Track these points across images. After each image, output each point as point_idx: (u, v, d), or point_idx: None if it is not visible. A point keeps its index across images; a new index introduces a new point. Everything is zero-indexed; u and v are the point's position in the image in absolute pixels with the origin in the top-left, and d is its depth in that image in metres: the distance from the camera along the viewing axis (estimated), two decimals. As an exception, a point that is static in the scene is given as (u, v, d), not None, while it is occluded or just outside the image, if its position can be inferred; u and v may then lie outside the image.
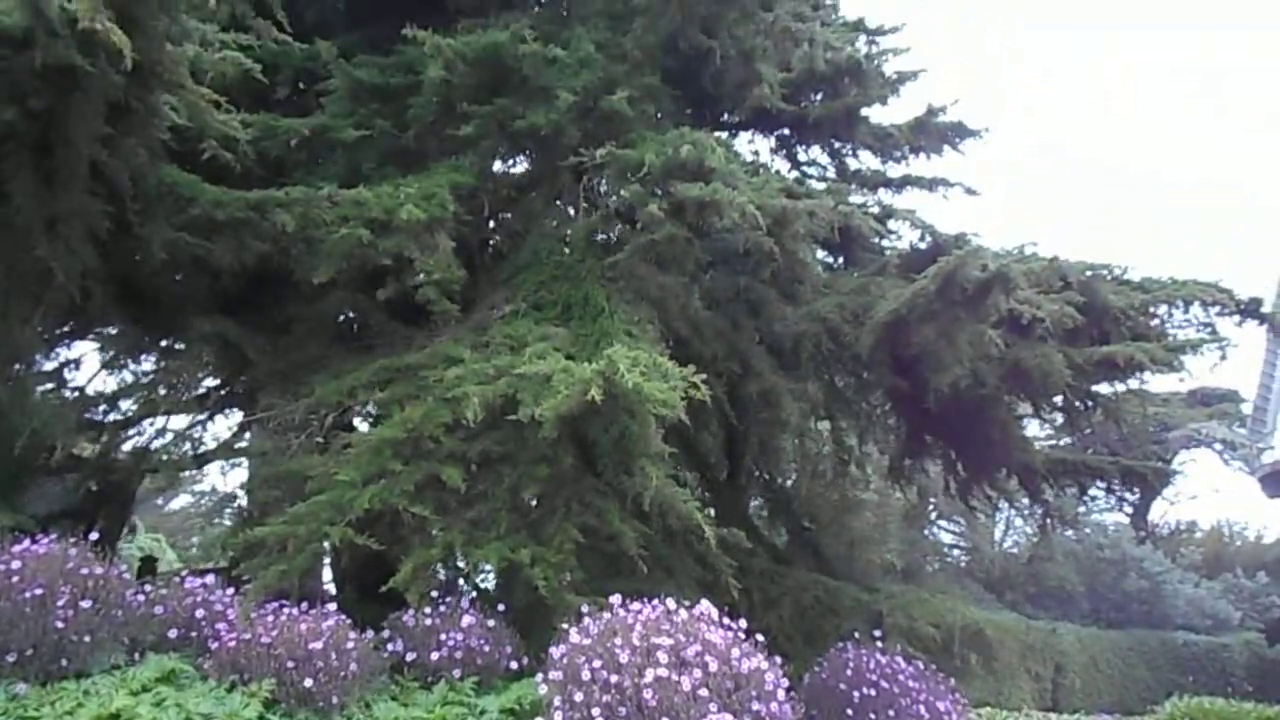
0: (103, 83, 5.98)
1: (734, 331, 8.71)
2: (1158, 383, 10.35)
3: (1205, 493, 44.09)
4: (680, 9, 8.30)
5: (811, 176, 11.19)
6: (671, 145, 7.79)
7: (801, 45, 8.86)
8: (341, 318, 9.11)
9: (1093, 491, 15.77)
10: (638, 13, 8.63)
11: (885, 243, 10.46)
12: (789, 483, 14.83)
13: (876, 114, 10.84)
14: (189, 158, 7.31)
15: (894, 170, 11.16)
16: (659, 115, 8.86)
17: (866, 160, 11.21)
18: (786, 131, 10.96)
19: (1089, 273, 8.66)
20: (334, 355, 8.38)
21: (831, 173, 11.29)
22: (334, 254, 7.41)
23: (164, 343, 9.53)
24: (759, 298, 8.99)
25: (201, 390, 10.16)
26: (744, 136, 11.02)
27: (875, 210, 9.99)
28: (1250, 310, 8.87)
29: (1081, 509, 22.81)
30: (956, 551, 27.83)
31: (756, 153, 11.10)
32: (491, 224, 9.55)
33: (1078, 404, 9.71)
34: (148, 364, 9.91)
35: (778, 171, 10.44)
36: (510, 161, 9.74)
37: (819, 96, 10.41)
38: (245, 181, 7.64)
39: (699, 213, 7.59)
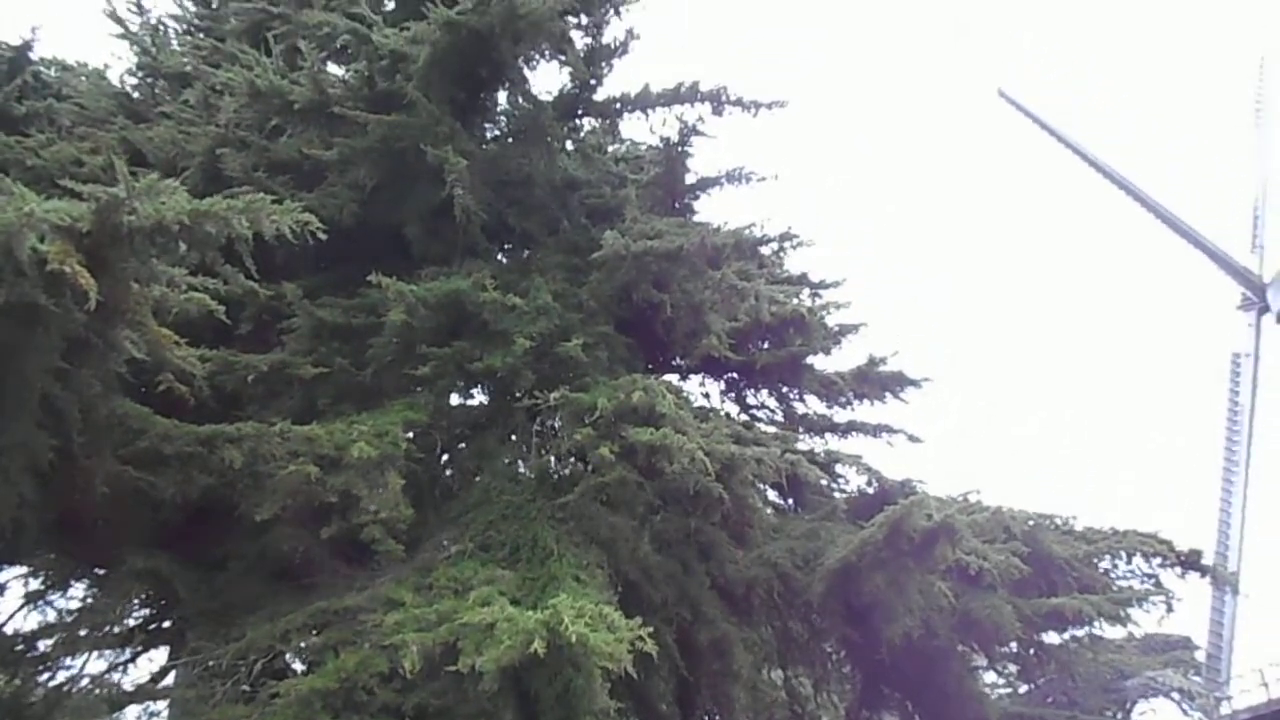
0: (64, 319, 6.07)
1: (685, 575, 8.61)
2: (1111, 629, 10.35)
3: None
4: (634, 266, 8.79)
5: (760, 420, 11.49)
6: (623, 390, 8.02)
7: (748, 299, 9.35)
8: (281, 555, 8.87)
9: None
10: (595, 266, 9.12)
11: (834, 486, 10.64)
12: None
13: (821, 362, 11.37)
14: (142, 389, 7.35)
15: (840, 415, 11.55)
16: (612, 360, 9.16)
17: (813, 405, 11.60)
18: (735, 376, 11.37)
19: (1031, 523, 8.84)
20: (270, 594, 8.10)
21: (780, 416, 11.62)
22: (280, 490, 7.33)
23: (95, 573, 9.17)
24: (710, 541, 8.96)
25: (128, 624, 9.68)
26: (695, 380, 11.39)
27: (822, 455, 10.23)
28: (1191, 562, 9.04)
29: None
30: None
31: (707, 395, 11.45)
32: (444, 458, 9.58)
33: (1030, 654, 9.62)
34: (74, 597, 9.48)
35: (727, 415, 10.72)
36: (466, 396, 9.92)
37: (765, 345, 10.92)
38: (198, 414, 7.65)
39: (649, 456, 7.70)
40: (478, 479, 8.63)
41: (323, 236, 7.32)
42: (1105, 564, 9.27)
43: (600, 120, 11.56)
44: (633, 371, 8.92)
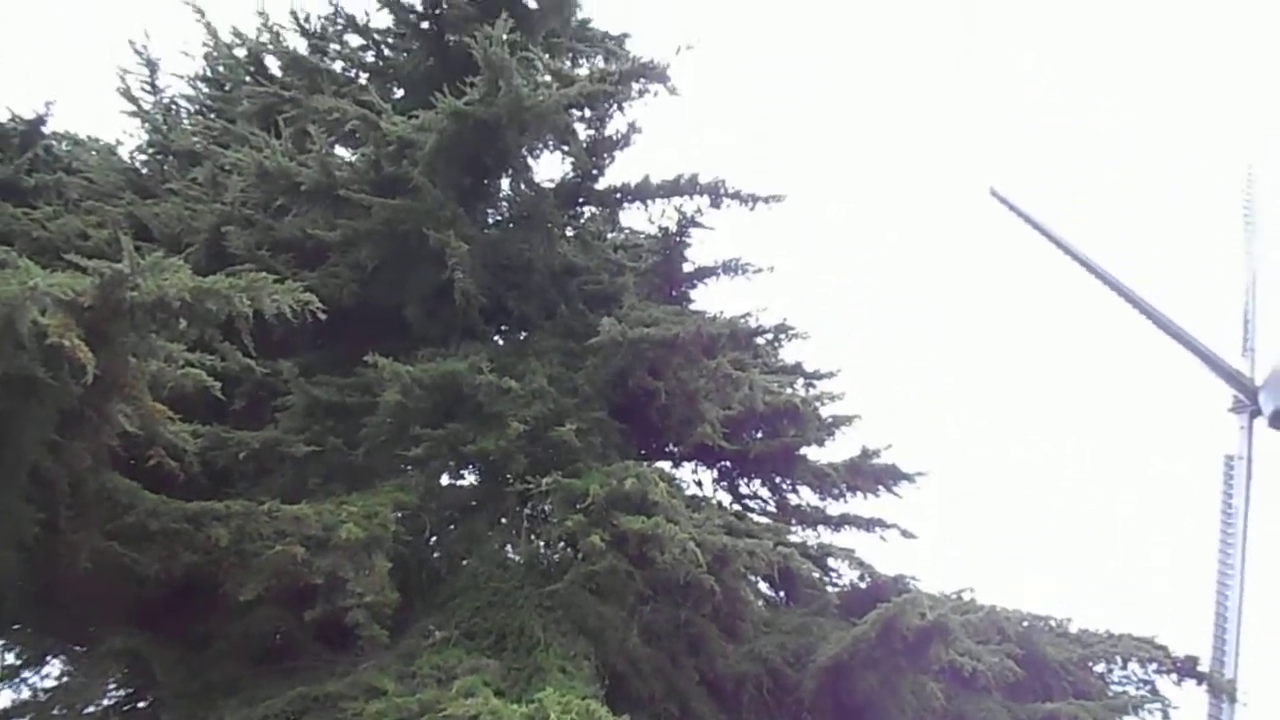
0: (60, 392, 6.07)
1: (673, 669, 8.44)
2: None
3: None
4: (630, 353, 8.85)
5: (753, 510, 11.41)
6: (616, 477, 7.99)
7: (742, 388, 9.39)
8: (263, 637, 8.71)
9: None
10: (591, 352, 9.18)
11: (827, 580, 10.52)
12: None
13: (815, 453, 11.35)
14: (131, 462, 7.30)
15: (833, 508, 11.46)
16: (605, 446, 9.15)
17: (806, 496, 11.54)
18: (729, 465, 11.33)
19: (1026, 624, 8.75)
20: (250, 677, 7.91)
21: (772, 507, 11.54)
22: (265, 570, 7.24)
23: (72, 650, 8.98)
24: (700, 633, 8.81)
25: (104, 704, 9.44)
26: (688, 467, 11.34)
27: (815, 548, 10.14)
28: (1187, 669, 8.92)
29: None
30: None
31: (700, 483, 11.38)
32: (433, 541, 9.49)
33: (1027, 762, 9.37)
34: (50, 675, 9.26)
35: (720, 504, 10.65)
36: (457, 478, 9.87)
37: (759, 434, 10.91)
38: (187, 490, 7.59)
39: (641, 545, 7.64)
40: (465, 563, 8.53)
41: (322, 316, 7.40)
42: (1100, 668, 9.13)
43: (600, 209, 11.77)
44: (626, 458, 8.90)
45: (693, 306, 11.33)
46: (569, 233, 11.58)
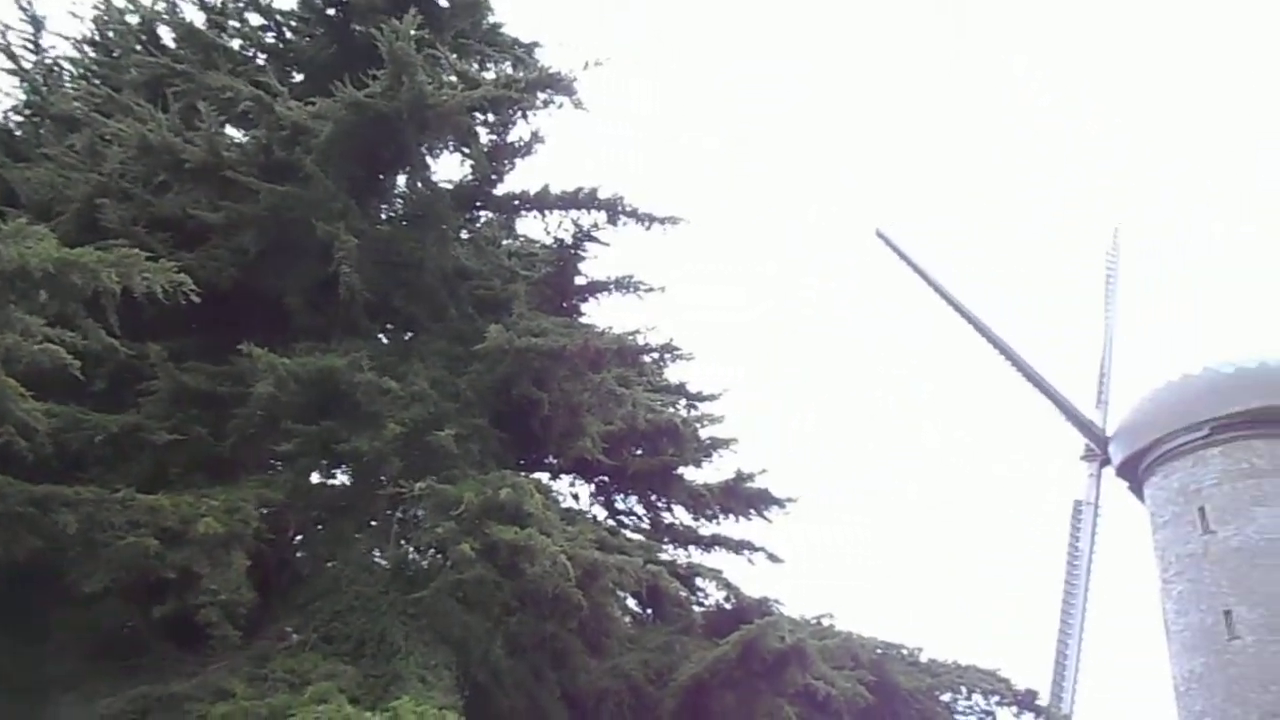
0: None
1: (535, 682, 8.41)
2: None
3: None
4: (516, 361, 8.81)
5: (627, 526, 11.48)
6: (492, 486, 7.92)
7: (625, 405, 9.46)
8: (108, 631, 8.29)
9: None
10: (476, 358, 9.09)
11: (694, 599, 10.66)
12: None
13: (691, 474, 11.51)
14: (-24, 439, 6.87)
15: (706, 528, 11.65)
16: (484, 454, 9.06)
17: (681, 515, 11.68)
18: (606, 480, 11.38)
19: (880, 651, 9.03)
20: (91, 673, 7.51)
21: (647, 524, 11.64)
22: (114, 561, 6.92)
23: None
24: (565, 647, 8.80)
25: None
26: (566, 480, 11.34)
27: (684, 567, 10.27)
28: (1026, 702, 9.37)
29: None
30: None
31: (576, 497, 11.39)
32: (297, 540, 9.21)
33: (872, 785, 9.67)
34: None
35: (594, 519, 10.69)
36: (328, 477, 9.62)
37: (639, 452, 10.99)
38: (36, 471, 7.19)
39: (511, 556, 7.58)
40: (329, 566, 8.31)
41: (196, 299, 7.15)
42: (947, 697, 9.50)
43: (498, 214, 11.72)
44: (504, 467, 8.83)
45: (583, 320, 11.35)
46: (463, 236, 11.45)
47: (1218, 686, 22.32)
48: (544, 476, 10.64)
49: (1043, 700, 10.09)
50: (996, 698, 9.21)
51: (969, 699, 9.38)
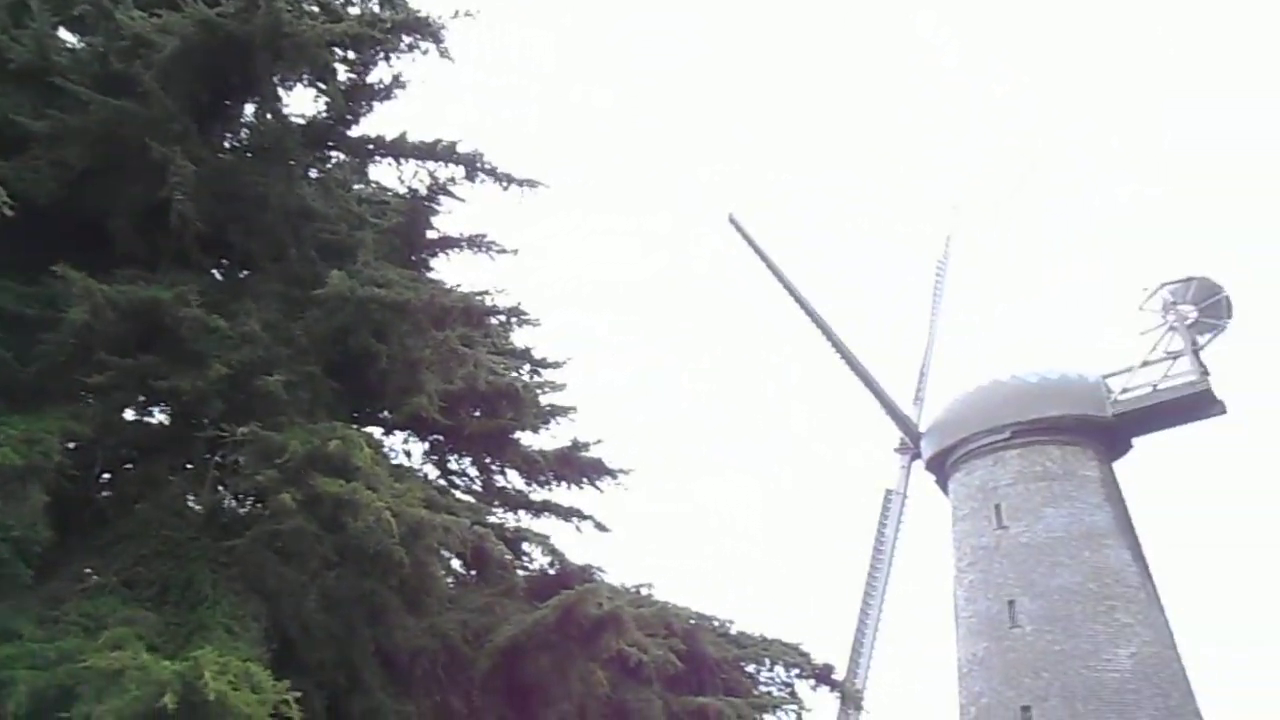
0: None
1: (349, 638, 8.26)
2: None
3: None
4: (357, 311, 8.58)
5: (459, 487, 11.42)
6: (320, 436, 7.72)
7: (467, 365, 9.37)
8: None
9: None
10: (315, 303, 8.78)
11: (519, 563, 10.73)
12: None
13: (528, 439, 11.55)
14: None
15: (537, 494, 11.73)
16: (314, 404, 8.79)
17: (513, 479, 11.72)
18: (441, 439, 11.26)
19: (693, 621, 9.37)
20: None
21: (479, 486, 11.61)
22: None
23: None
24: (382, 604, 8.68)
25: None
26: (399, 437, 11.15)
27: (512, 531, 10.32)
28: (824, 676, 9.93)
29: None
30: None
31: (409, 454, 11.22)
32: (104, 479, 8.70)
33: (675, 749, 10.05)
34: None
35: (425, 477, 10.57)
36: (144, 415, 9.11)
37: (477, 413, 10.91)
38: None
39: (335, 509, 7.42)
40: (138, 507, 7.89)
41: (9, 212, 6.63)
42: (752, 668, 9.97)
43: (350, 157, 11.30)
44: (335, 418, 8.59)
45: (431, 275, 11.15)
46: (312, 175, 10.99)
47: (996, 670, 24.25)
48: (377, 431, 10.44)
49: (839, 675, 10.73)
50: (796, 670, 9.74)
51: (771, 670, 9.87)
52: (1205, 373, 25.22)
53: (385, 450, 9.96)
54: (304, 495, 7.33)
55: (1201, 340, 26.03)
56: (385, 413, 10.65)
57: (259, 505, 7.99)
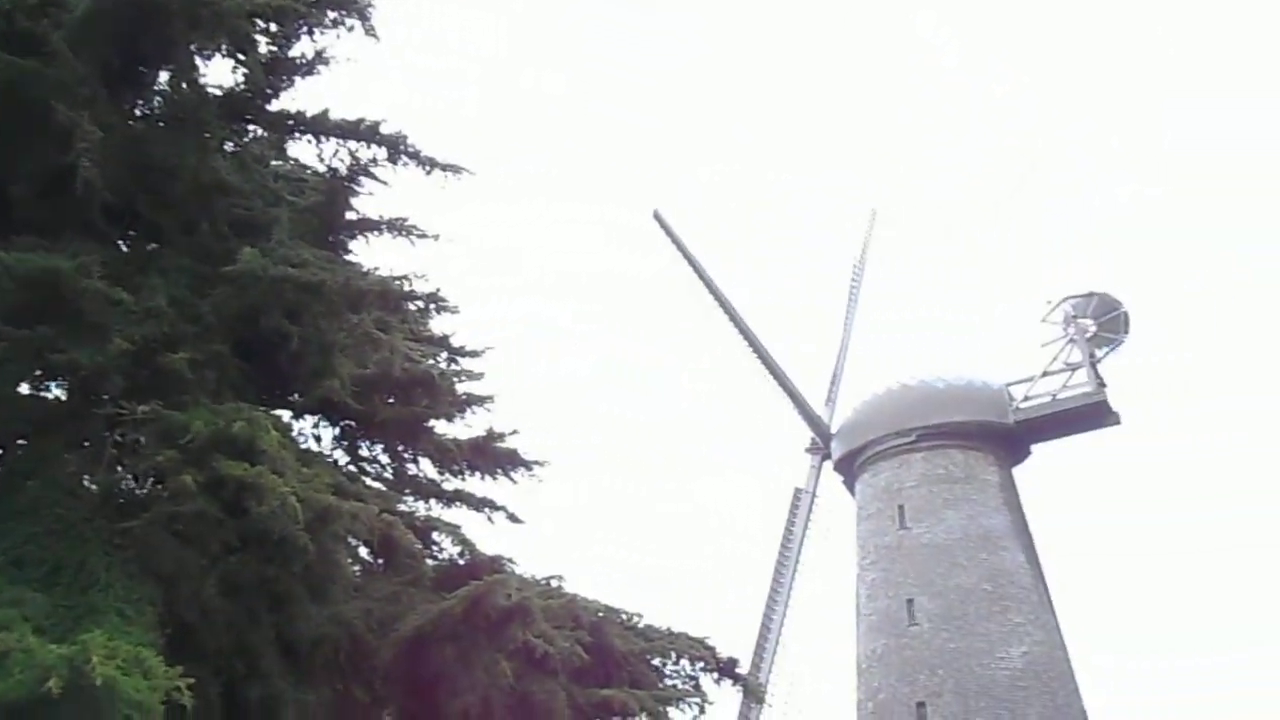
0: None
1: (249, 625, 8.08)
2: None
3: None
4: (269, 290, 8.38)
5: (369, 474, 11.24)
6: (225, 417, 7.52)
7: (382, 351, 9.24)
8: None
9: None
10: (225, 280, 8.55)
11: (428, 552, 10.62)
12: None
13: (443, 428, 11.43)
14: None
15: (450, 484, 11.62)
16: (221, 384, 8.56)
17: (426, 468, 11.58)
18: (353, 425, 11.07)
19: (601, 614, 9.42)
20: None
21: (390, 474, 11.45)
22: None
23: None
24: (285, 591, 8.50)
25: None
26: (309, 421, 10.92)
27: (422, 519, 10.21)
28: (727, 670, 10.08)
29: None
30: None
31: (319, 439, 11.00)
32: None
33: (576, 741, 10.09)
34: None
35: (335, 463, 10.39)
36: (40, 389, 8.75)
37: (391, 400, 10.75)
38: None
39: (238, 493, 7.25)
40: (29, 484, 7.57)
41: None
42: (658, 662, 10.06)
43: (269, 132, 11.00)
44: (242, 399, 8.36)
45: (348, 258, 10.93)
46: (227, 148, 10.68)
47: (894, 666, 24.93)
48: (286, 415, 10.20)
49: (743, 669, 10.91)
50: (701, 664, 9.86)
51: (677, 664, 9.98)
52: (1102, 384, 26.29)
53: (294, 434, 9.77)
54: (206, 477, 7.15)
55: (1099, 353, 27.13)
56: (295, 396, 10.42)
57: (158, 486, 7.74)
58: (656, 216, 26.93)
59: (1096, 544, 68.77)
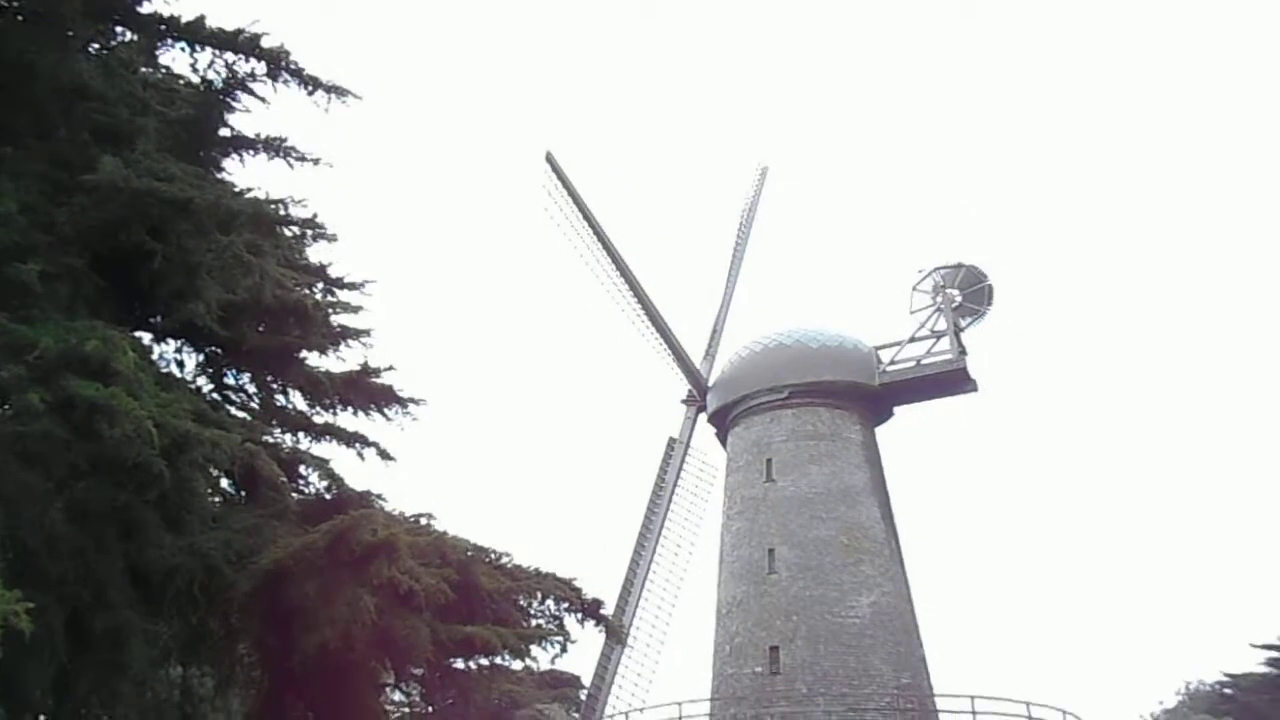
0: None
1: (96, 553, 7.77)
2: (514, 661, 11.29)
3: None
4: (131, 204, 7.93)
5: (234, 403, 10.88)
6: (77, 335, 7.15)
7: (253, 275, 8.89)
8: None
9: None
10: (82, 190, 8.05)
11: (293, 486, 10.38)
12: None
13: (316, 359, 11.12)
14: None
15: (321, 417, 11.34)
16: (75, 299, 8.10)
17: (296, 400, 11.27)
18: (219, 351, 10.65)
19: (470, 553, 9.40)
20: None
21: (256, 404, 11.10)
22: None
23: None
24: (137, 519, 8.20)
25: None
26: (172, 345, 10.45)
27: (288, 452, 9.96)
28: (592, 611, 10.25)
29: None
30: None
31: (181, 364, 10.55)
32: None
33: (437, 677, 10.15)
34: None
35: (198, 390, 10.00)
36: None
37: (260, 328, 10.39)
38: None
39: (89, 415, 6.92)
40: None
41: None
42: (524, 601, 10.13)
43: (139, 36, 10.29)
44: (98, 317, 7.94)
45: (221, 176, 10.42)
46: (92, 49, 9.98)
47: (752, 612, 25.80)
48: (145, 337, 9.75)
49: (608, 611, 11.10)
50: (566, 604, 9.98)
51: (543, 603, 10.07)
52: (963, 352, 27.47)
53: (154, 358, 9.36)
54: (54, 397, 6.80)
55: (964, 323, 28.32)
56: (157, 318, 9.95)
57: (2, 405, 7.31)
58: (549, 159, 26.54)
59: (948, 502, 72.54)
